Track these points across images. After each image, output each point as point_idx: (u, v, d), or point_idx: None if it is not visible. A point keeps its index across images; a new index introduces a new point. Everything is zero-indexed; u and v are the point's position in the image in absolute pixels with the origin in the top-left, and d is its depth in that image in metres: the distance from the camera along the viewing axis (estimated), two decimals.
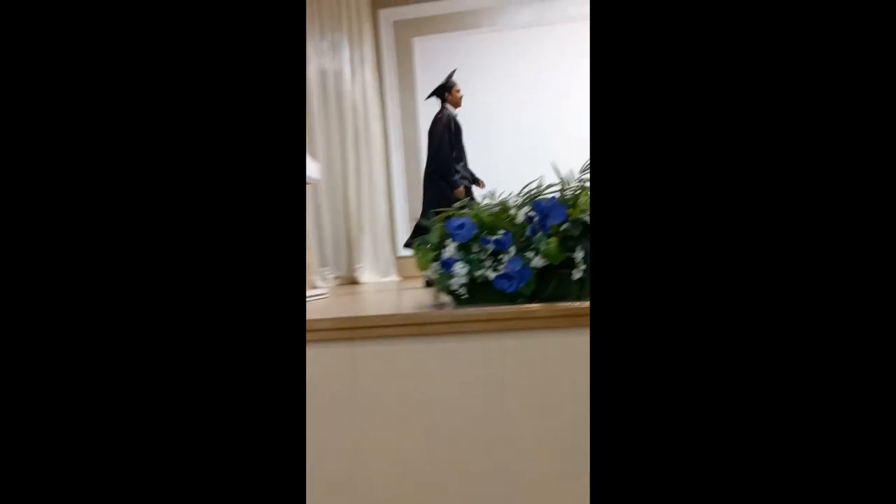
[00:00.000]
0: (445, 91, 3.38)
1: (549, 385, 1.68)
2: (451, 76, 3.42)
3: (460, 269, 1.85)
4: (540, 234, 1.80)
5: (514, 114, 5.49)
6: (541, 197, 1.89)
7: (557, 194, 1.89)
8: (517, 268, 1.79)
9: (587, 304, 1.71)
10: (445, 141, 3.22)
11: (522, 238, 1.84)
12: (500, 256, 1.84)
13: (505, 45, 5.54)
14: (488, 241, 1.85)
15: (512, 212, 1.88)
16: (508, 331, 1.70)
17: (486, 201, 2.00)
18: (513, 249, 1.82)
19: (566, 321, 1.70)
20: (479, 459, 1.69)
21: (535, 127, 5.41)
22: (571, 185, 1.92)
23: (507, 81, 5.52)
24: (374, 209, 5.44)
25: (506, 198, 1.96)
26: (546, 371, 1.68)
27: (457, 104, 3.35)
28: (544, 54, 5.46)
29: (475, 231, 1.87)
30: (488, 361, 1.70)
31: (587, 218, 1.80)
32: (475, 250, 1.87)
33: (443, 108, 3.32)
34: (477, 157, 5.26)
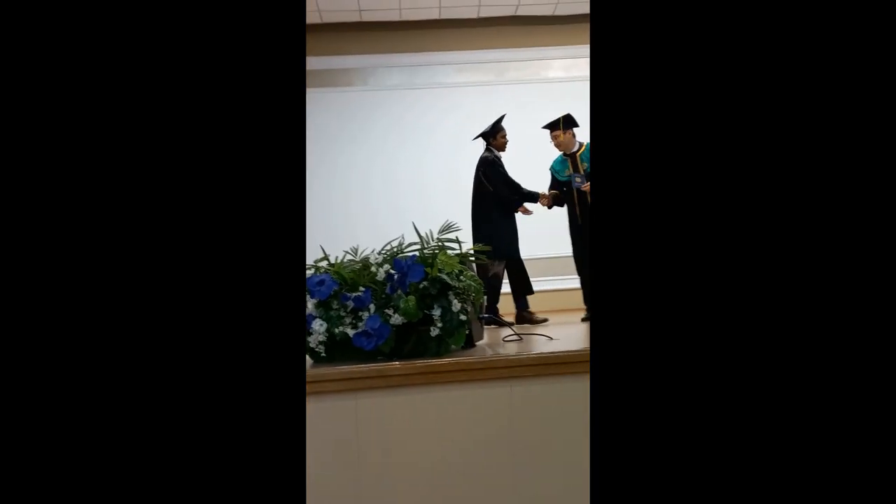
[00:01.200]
0: (491, 136, 3.49)
1: (402, 443, 1.62)
2: (498, 122, 3.50)
3: (318, 326, 1.75)
4: (399, 292, 1.76)
5: (379, 169, 5.52)
6: (401, 255, 1.86)
7: (417, 253, 1.88)
8: (377, 325, 1.73)
9: (445, 360, 1.69)
10: (501, 176, 3.37)
11: (382, 295, 1.79)
12: (360, 313, 1.77)
13: (374, 104, 5.61)
14: (348, 298, 1.78)
15: (373, 269, 1.82)
16: (364, 389, 1.62)
17: (348, 258, 1.93)
18: (372, 307, 1.76)
19: (424, 378, 1.66)
20: None
21: (397, 183, 5.47)
22: (430, 244, 1.91)
23: (373, 138, 5.56)
24: None
25: (368, 255, 1.91)
26: (399, 430, 1.62)
27: (501, 148, 3.49)
28: (408, 115, 5.60)
29: (335, 287, 1.79)
30: (341, 422, 1.61)
31: (445, 277, 1.80)
32: (335, 307, 1.78)
33: (489, 149, 3.48)
34: (346, 211, 5.21)
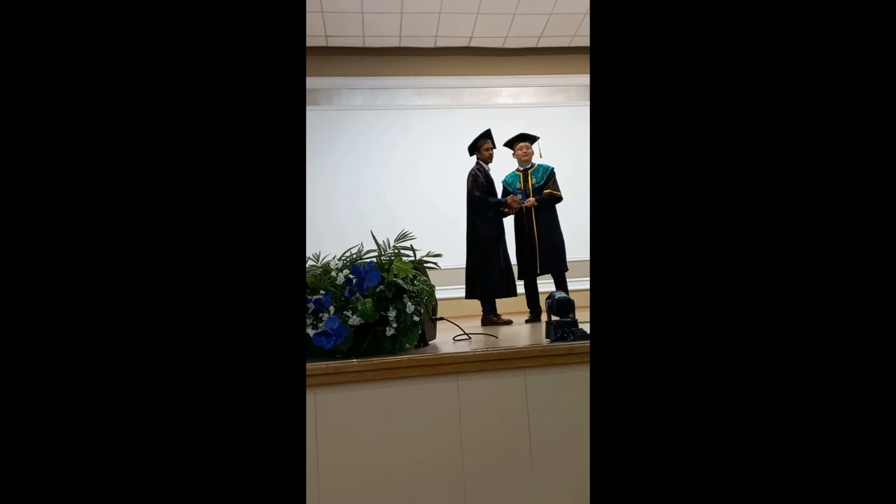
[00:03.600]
0: (475, 150, 3.53)
1: (363, 433, 1.60)
2: (481, 136, 3.53)
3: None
4: (357, 295, 1.75)
5: (343, 181, 5.48)
6: (360, 261, 1.85)
7: (374, 259, 1.87)
8: (335, 325, 1.72)
9: (399, 357, 1.69)
10: (479, 186, 3.40)
11: (341, 298, 1.77)
12: (320, 315, 1.75)
13: (338, 122, 5.58)
14: (310, 301, 1.75)
15: (332, 274, 1.81)
16: (323, 385, 1.60)
17: (310, 263, 1.91)
18: (332, 308, 1.74)
19: (380, 374, 1.65)
20: None
21: (358, 196, 5.45)
22: (387, 251, 1.91)
23: (338, 153, 5.52)
24: None
25: (328, 261, 1.89)
26: (355, 423, 1.61)
27: (486, 160, 3.51)
28: (371, 134, 5.59)
29: None
30: (308, 415, 1.58)
31: (400, 281, 1.80)
32: None
33: (477, 162, 3.51)
34: (311, 220, 5.14)
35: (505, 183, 3.59)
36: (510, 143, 3.59)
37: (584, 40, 5.77)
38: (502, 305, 3.45)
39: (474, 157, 3.51)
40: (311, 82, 5.52)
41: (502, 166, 3.72)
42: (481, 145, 3.47)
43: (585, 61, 5.88)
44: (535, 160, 3.59)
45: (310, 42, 5.41)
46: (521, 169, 3.55)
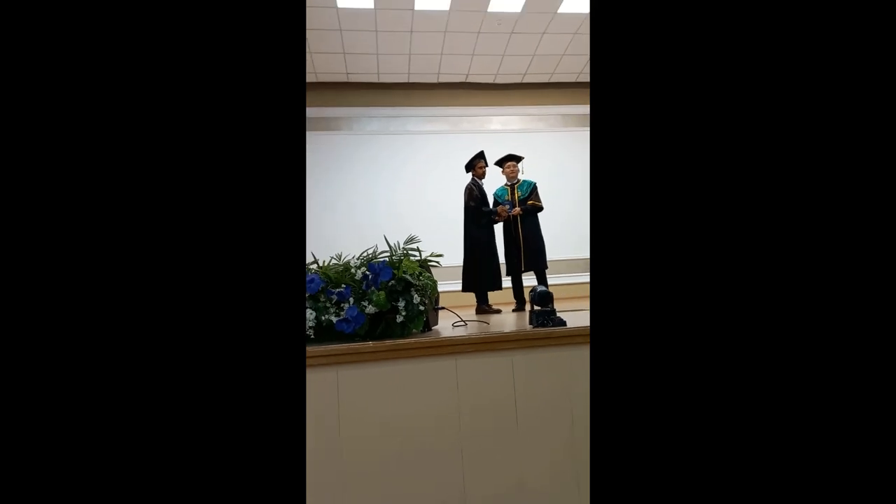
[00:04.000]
0: (470, 168, 3.52)
1: (372, 404, 1.60)
2: (476, 157, 3.51)
3: (309, 314, 1.72)
4: (373, 288, 1.75)
5: (361, 195, 5.48)
6: (375, 260, 1.85)
7: (387, 258, 1.87)
8: (354, 313, 1.72)
9: (407, 340, 1.69)
10: (473, 198, 3.37)
11: (360, 291, 1.77)
12: (341, 304, 1.75)
13: (356, 145, 5.57)
14: (332, 293, 1.75)
15: (352, 271, 1.81)
16: (344, 363, 1.60)
17: (333, 262, 1.91)
18: (352, 299, 1.74)
19: (391, 354, 1.65)
20: None
21: (374, 207, 5.44)
22: (398, 252, 1.91)
23: (356, 171, 5.52)
24: None
25: (349, 260, 1.89)
26: (371, 394, 1.61)
27: (479, 176, 3.50)
28: (384, 155, 5.58)
29: (322, 285, 1.77)
30: (326, 388, 1.58)
31: (408, 277, 1.80)
32: (322, 300, 1.76)
33: (472, 178, 3.50)
34: (335, 227, 5.14)
35: (496, 195, 3.59)
36: (500, 162, 3.60)
37: (563, 77, 5.77)
38: (493, 297, 3.45)
39: (470, 174, 3.52)
40: (334, 111, 5.53)
41: (494, 181, 3.72)
42: (476, 164, 3.48)
43: (564, 94, 5.88)
44: (521, 176, 3.59)
45: (333, 78, 5.42)
46: (509, 183, 3.55)
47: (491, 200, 3.56)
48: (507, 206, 3.41)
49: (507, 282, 3.46)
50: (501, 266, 3.44)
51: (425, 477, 1.58)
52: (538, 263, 3.39)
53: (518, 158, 3.57)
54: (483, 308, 3.32)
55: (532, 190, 3.48)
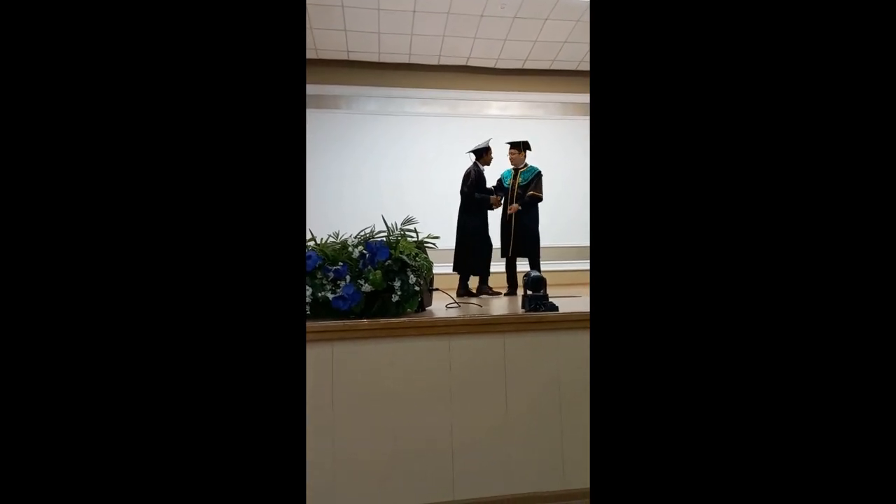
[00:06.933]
0: (481, 154, 3.50)
1: (365, 379, 1.62)
2: (485, 148, 3.51)
3: (306, 291, 1.73)
4: (369, 267, 1.76)
5: (359, 175, 5.44)
6: (372, 239, 1.86)
7: (384, 238, 1.87)
8: (350, 291, 1.73)
9: (402, 319, 1.70)
10: (468, 184, 3.38)
11: (356, 269, 1.78)
12: (338, 282, 1.75)
13: (355, 124, 5.51)
14: (329, 270, 1.76)
15: (349, 249, 1.81)
16: (339, 339, 1.61)
17: (331, 240, 1.91)
18: (348, 277, 1.75)
19: (386, 332, 1.67)
20: None
21: (372, 187, 5.40)
22: (395, 232, 1.91)
23: (351, 150, 5.47)
24: None
25: (346, 238, 1.89)
26: (364, 370, 1.63)
27: (486, 163, 3.51)
28: (383, 136, 5.53)
29: (319, 262, 1.77)
30: (322, 363, 1.60)
31: (404, 257, 1.80)
32: (318, 277, 1.76)
33: (475, 163, 3.47)
34: (334, 204, 5.11)
35: (502, 177, 3.61)
36: (511, 143, 3.59)
37: (564, 64, 5.72)
38: (489, 281, 3.48)
39: (473, 160, 3.51)
40: (334, 89, 5.44)
41: (502, 163, 3.72)
42: (485, 155, 3.49)
43: (564, 82, 5.84)
44: (529, 162, 3.59)
45: (333, 55, 5.32)
46: (515, 168, 3.56)
47: (496, 183, 3.59)
48: (500, 197, 3.43)
49: (500, 266, 3.48)
50: (496, 251, 3.46)
51: (416, 452, 1.62)
52: (531, 250, 3.43)
53: (521, 146, 3.55)
54: (484, 288, 3.36)
55: (534, 178, 3.48)
